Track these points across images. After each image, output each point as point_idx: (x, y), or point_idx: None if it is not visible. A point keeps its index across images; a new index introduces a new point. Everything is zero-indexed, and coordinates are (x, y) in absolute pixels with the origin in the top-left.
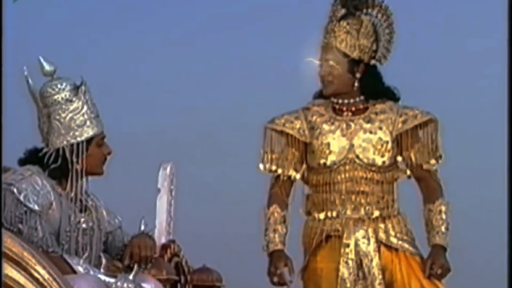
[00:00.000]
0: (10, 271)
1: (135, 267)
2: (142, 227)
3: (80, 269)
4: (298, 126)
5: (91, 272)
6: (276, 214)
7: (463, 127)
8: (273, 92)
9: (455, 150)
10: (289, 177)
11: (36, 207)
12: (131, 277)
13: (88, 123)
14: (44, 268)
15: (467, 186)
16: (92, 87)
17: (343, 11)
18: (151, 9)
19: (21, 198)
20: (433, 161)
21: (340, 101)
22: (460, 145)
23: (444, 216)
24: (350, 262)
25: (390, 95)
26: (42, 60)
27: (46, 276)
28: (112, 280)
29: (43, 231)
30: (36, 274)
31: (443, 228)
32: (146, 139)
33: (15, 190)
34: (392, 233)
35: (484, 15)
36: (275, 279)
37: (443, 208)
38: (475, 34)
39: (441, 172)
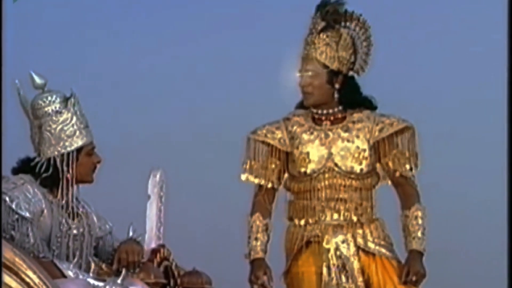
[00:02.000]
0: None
1: (123, 271)
2: (131, 233)
3: (70, 273)
4: (279, 136)
5: (80, 276)
6: (258, 222)
7: (463, 127)
8: (264, 101)
9: (454, 151)
10: (272, 186)
11: (27, 215)
12: (119, 281)
13: (77, 133)
14: (34, 272)
15: (467, 187)
16: (83, 92)
17: (322, 24)
18: (146, 12)
19: (13, 206)
20: (409, 167)
21: (319, 111)
22: (460, 146)
23: (420, 222)
24: (332, 266)
25: (367, 104)
26: (33, 74)
27: (37, 280)
28: (101, 284)
29: (34, 238)
30: (27, 279)
31: (419, 234)
32: (136, 145)
33: (7, 199)
34: (370, 238)
35: (484, 15)
36: (256, 287)
37: (420, 214)
38: (474, 34)
39: (441, 174)
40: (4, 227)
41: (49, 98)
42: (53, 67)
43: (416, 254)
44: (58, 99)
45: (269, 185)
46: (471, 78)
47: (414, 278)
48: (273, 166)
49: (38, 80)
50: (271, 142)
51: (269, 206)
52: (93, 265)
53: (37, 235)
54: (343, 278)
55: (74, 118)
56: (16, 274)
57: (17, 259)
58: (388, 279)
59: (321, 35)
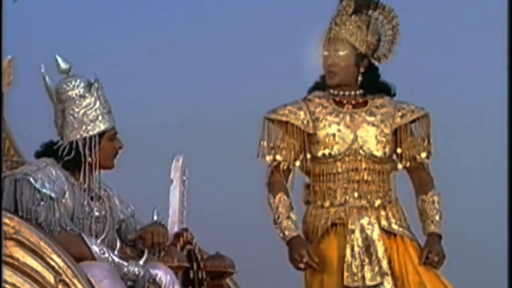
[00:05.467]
0: (28, 259)
1: (146, 253)
2: (155, 217)
3: (96, 249)
4: (302, 116)
5: (106, 254)
6: (283, 201)
7: (464, 123)
8: (284, 85)
9: (453, 146)
10: (289, 166)
11: (52, 194)
12: (141, 262)
13: (100, 118)
14: (59, 256)
15: (468, 182)
16: (105, 79)
17: (353, 7)
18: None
19: (38, 186)
20: (424, 154)
21: (341, 93)
22: (460, 141)
23: (437, 206)
24: (356, 248)
25: (387, 90)
26: (58, 58)
27: (61, 264)
28: (124, 263)
29: (59, 213)
30: (52, 262)
31: (437, 217)
32: (159, 130)
33: (31, 179)
34: (393, 220)
35: (484, 13)
36: (302, 265)
37: (436, 199)
38: (474, 33)
39: (442, 167)
40: (28, 206)
41: (73, 82)
42: (74, 53)
43: (436, 236)
44: (82, 84)
45: (286, 165)
46: (473, 76)
47: (436, 259)
48: (292, 146)
49: (63, 64)
50: (295, 122)
51: (287, 186)
52: (118, 244)
53: (63, 211)
54: (367, 260)
55: (97, 103)
56: (41, 257)
57: (42, 243)
58: (409, 260)
59: (352, 17)
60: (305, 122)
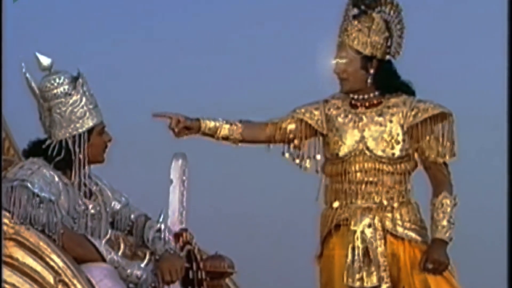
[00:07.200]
0: (27, 259)
1: (147, 256)
2: (162, 227)
3: (102, 249)
4: (316, 117)
5: (112, 253)
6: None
7: (464, 123)
8: (285, 86)
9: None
10: (285, 128)
11: (51, 197)
12: (142, 265)
13: (87, 114)
14: (58, 256)
15: (468, 182)
16: (105, 79)
17: (355, 10)
18: (163, 2)
19: (37, 191)
20: (441, 154)
21: (356, 96)
22: (460, 140)
23: (448, 210)
24: (356, 249)
25: (404, 89)
26: (38, 55)
27: (61, 264)
28: (127, 265)
29: (61, 213)
30: (51, 262)
31: (444, 222)
32: (160, 129)
33: (29, 185)
34: (400, 222)
35: (484, 13)
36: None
37: (448, 202)
38: (474, 33)
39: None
40: (28, 211)
41: (57, 80)
42: (73, 53)
43: (438, 242)
44: (66, 80)
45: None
46: (473, 76)
47: (430, 266)
48: (303, 134)
49: (44, 62)
50: (309, 121)
51: (258, 127)
52: (122, 246)
53: (64, 213)
54: (366, 262)
55: (84, 99)
56: (41, 258)
57: (41, 243)
58: (416, 264)
59: (353, 21)
60: (319, 122)
